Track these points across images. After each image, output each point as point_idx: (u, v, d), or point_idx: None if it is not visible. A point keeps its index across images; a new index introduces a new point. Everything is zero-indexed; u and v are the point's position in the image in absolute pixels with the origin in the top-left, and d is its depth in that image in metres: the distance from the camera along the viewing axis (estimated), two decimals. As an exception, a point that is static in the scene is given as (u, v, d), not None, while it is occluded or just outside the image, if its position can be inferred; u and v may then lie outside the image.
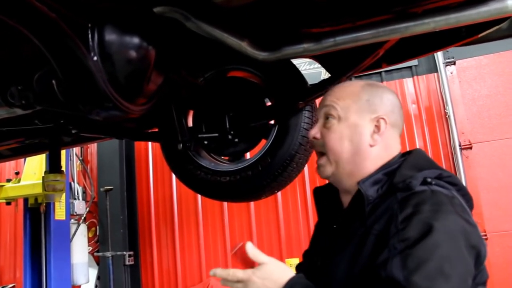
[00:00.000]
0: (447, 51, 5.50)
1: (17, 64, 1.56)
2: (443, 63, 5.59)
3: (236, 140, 2.26)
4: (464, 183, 5.19)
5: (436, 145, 5.55)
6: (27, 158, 4.78)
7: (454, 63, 5.61)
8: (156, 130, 2.46)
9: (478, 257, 1.08)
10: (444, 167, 4.83)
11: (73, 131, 2.15)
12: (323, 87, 2.06)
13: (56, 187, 2.83)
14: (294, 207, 5.75)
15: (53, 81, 1.37)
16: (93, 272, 6.00)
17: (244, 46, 1.64)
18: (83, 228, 5.55)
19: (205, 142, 2.31)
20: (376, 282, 1.05)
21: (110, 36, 1.33)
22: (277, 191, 2.38)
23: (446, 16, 1.52)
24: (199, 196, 5.87)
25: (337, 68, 2.08)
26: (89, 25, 1.28)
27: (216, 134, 2.28)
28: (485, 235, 5.14)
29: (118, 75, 1.37)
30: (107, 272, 5.67)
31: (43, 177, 2.88)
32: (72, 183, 5.91)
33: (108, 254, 5.67)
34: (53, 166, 2.71)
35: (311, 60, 2.26)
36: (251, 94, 2.28)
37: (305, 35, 1.70)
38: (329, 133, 1.27)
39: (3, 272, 6.86)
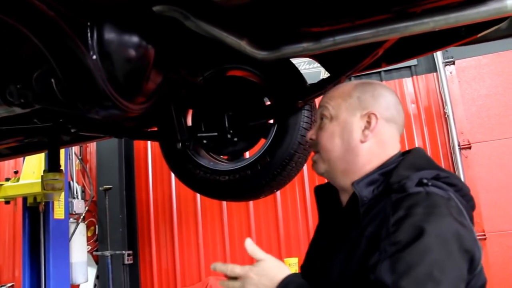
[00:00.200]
0: (446, 51, 5.50)
1: (16, 63, 1.56)
2: (443, 63, 5.60)
3: (235, 139, 2.26)
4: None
5: (435, 145, 5.55)
6: (26, 157, 4.77)
7: (454, 63, 5.61)
8: (155, 129, 2.46)
9: (472, 261, 1.05)
10: (443, 167, 4.83)
11: (72, 130, 2.14)
12: (322, 86, 2.06)
13: (55, 186, 2.82)
14: (293, 207, 5.76)
15: (52, 80, 1.37)
16: (92, 271, 6.00)
17: (243, 45, 1.64)
18: (82, 227, 5.55)
19: (204, 141, 2.30)
20: (366, 285, 1.04)
21: (109, 35, 1.33)
22: (276, 191, 2.38)
23: (445, 15, 1.52)
24: (198, 195, 5.87)
25: (336, 68, 2.07)
26: (88, 23, 1.28)
27: (215, 133, 2.27)
28: (484, 235, 5.15)
29: (117, 74, 1.36)
30: (106, 271, 5.67)
31: (42, 176, 2.88)
32: (71, 182, 5.91)
33: (107, 253, 5.67)
34: (52, 165, 2.70)
35: (310, 59, 2.26)
36: (250, 93, 2.28)
37: (304, 34, 1.70)
38: (322, 133, 1.28)
39: (2, 271, 6.86)
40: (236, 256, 5.86)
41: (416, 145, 5.53)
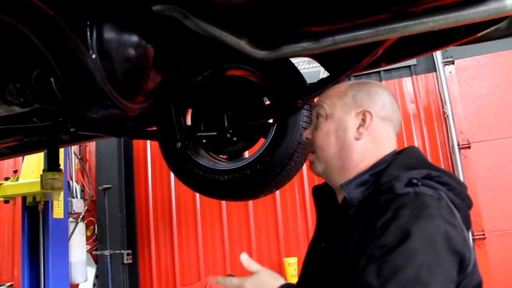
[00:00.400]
0: (446, 50, 5.51)
1: (16, 62, 1.56)
2: (442, 62, 5.60)
3: (235, 138, 2.26)
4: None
5: (435, 145, 5.56)
6: (26, 157, 4.77)
7: (453, 63, 5.62)
8: (155, 128, 2.46)
9: (462, 262, 1.03)
10: (442, 166, 4.82)
11: (72, 129, 2.14)
12: (322, 86, 2.06)
13: (54, 186, 2.82)
14: (292, 206, 5.76)
15: (52, 79, 1.37)
16: (91, 271, 5.99)
17: (243, 44, 1.64)
18: (81, 226, 5.55)
19: (204, 141, 2.30)
20: None
21: (109, 34, 1.33)
22: (276, 190, 2.38)
23: (445, 15, 1.52)
24: (197, 194, 5.87)
25: (336, 67, 2.08)
26: (88, 23, 1.28)
27: (215, 133, 2.27)
28: (483, 235, 5.15)
29: (116, 73, 1.36)
30: (105, 271, 5.66)
31: (41, 175, 2.88)
32: (71, 181, 5.90)
33: (106, 252, 5.67)
34: (51, 164, 2.70)
35: (310, 59, 2.26)
36: (250, 92, 2.28)
37: (304, 34, 1.70)
38: (317, 132, 1.29)
39: (1, 270, 6.86)
40: (235, 255, 5.86)
41: (416, 145, 5.53)
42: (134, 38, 1.43)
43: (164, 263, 6.15)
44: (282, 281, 1.18)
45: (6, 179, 4.88)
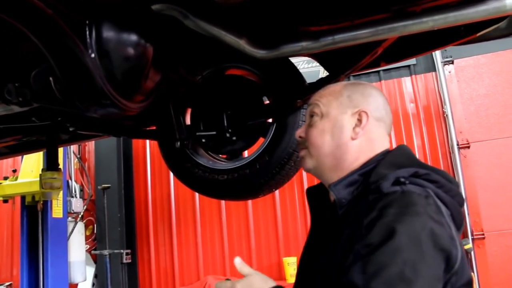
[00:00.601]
0: (445, 50, 5.50)
1: (15, 61, 1.56)
2: (441, 62, 5.60)
3: (234, 138, 2.26)
4: (461, 182, 5.24)
5: (434, 144, 5.55)
6: (25, 156, 4.76)
7: (452, 62, 5.61)
8: (154, 128, 2.46)
9: (449, 259, 1.03)
10: (441, 166, 4.83)
11: (71, 129, 2.14)
12: (321, 85, 2.04)
13: (53, 185, 2.82)
14: (292, 206, 5.75)
15: (51, 78, 1.37)
16: (91, 270, 5.99)
17: (242, 44, 1.64)
18: (80, 226, 5.54)
19: (203, 140, 2.30)
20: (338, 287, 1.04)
21: (108, 33, 1.33)
22: (275, 190, 2.38)
23: (444, 14, 1.52)
24: (196, 194, 5.87)
25: (335, 67, 2.07)
26: (87, 22, 1.27)
27: (214, 132, 2.27)
28: (483, 234, 5.15)
29: (115, 72, 1.36)
30: (105, 270, 5.66)
31: (40, 174, 2.87)
32: (70, 181, 5.89)
33: (106, 252, 5.66)
34: (50, 164, 2.70)
35: (309, 58, 2.26)
36: (249, 92, 2.28)
37: (303, 33, 1.70)
38: (311, 130, 1.29)
39: (0, 270, 6.85)
40: (234, 255, 5.82)
41: (415, 144, 5.54)
42: (133, 37, 1.43)
43: (163, 263, 6.15)
44: (272, 284, 1.18)
45: (5, 178, 4.87)
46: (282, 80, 2.14)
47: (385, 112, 1.30)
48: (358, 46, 1.73)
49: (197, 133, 2.28)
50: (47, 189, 2.84)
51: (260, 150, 2.19)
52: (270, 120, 2.25)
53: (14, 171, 4.99)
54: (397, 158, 1.21)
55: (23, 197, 4.58)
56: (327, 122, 1.27)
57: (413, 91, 5.73)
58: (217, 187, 2.27)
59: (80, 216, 5.68)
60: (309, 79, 2.21)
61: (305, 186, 5.67)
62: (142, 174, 6.43)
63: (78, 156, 6.48)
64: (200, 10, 1.53)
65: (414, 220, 1.02)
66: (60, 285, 4.48)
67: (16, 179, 4.68)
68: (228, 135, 2.24)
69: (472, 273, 4.95)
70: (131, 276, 6.14)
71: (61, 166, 3.50)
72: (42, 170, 2.77)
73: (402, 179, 1.11)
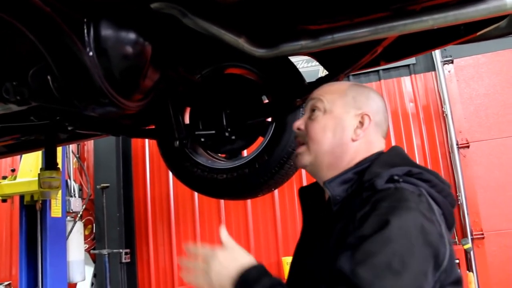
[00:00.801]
0: (445, 49, 5.50)
1: (13, 60, 1.55)
2: (441, 61, 5.60)
3: (233, 137, 2.25)
4: (461, 182, 5.24)
5: (434, 144, 5.55)
6: (23, 155, 4.76)
7: (452, 62, 5.61)
8: (153, 127, 2.45)
9: (437, 257, 1.03)
10: (441, 166, 4.83)
11: (69, 128, 2.13)
12: (321, 84, 2.04)
13: (52, 184, 2.81)
14: (291, 205, 5.75)
15: (48, 77, 1.36)
16: (89, 270, 5.98)
17: (241, 42, 1.63)
18: (79, 225, 5.54)
19: (202, 140, 2.29)
20: (329, 278, 1.04)
21: (106, 32, 1.32)
22: (274, 189, 2.37)
23: (444, 13, 1.51)
24: (196, 193, 5.86)
25: (335, 66, 2.07)
26: (85, 20, 1.27)
27: (213, 131, 2.26)
28: (482, 234, 5.15)
29: (114, 70, 1.35)
30: (104, 270, 5.65)
31: (39, 174, 2.86)
32: (69, 180, 5.89)
33: (105, 251, 5.65)
34: (49, 163, 2.69)
35: (309, 58, 2.26)
36: (248, 91, 2.27)
37: (302, 32, 1.69)
38: (313, 124, 1.29)
39: (-1, 269, 6.85)
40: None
41: (415, 144, 5.54)
42: (132, 36, 1.42)
43: (162, 262, 6.14)
44: (254, 260, 1.17)
45: (4, 178, 4.87)
46: (281, 79, 2.13)
47: (384, 118, 1.32)
48: (358, 45, 1.72)
49: (196, 132, 2.27)
50: (46, 189, 2.83)
51: (259, 150, 2.19)
52: (269, 119, 2.24)
53: (13, 170, 4.99)
54: (391, 158, 1.23)
55: (21, 197, 4.58)
56: (330, 120, 1.27)
57: (413, 91, 5.73)
58: (216, 186, 2.26)
59: (79, 215, 5.68)
60: (308, 79, 2.20)
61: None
62: (141, 174, 6.42)
63: (77, 155, 6.47)
64: (199, 9, 1.52)
65: (406, 214, 1.03)
66: (59, 285, 4.48)
67: (15, 178, 4.68)
68: (227, 134, 2.24)
69: (471, 273, 4.95)
70: (130, 275, 6.13)
71: (60, 166, 3.49)
72: (41, 169, 2.76)
73: (396, 177, 1.12)
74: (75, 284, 5.68)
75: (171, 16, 1.52)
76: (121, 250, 5.90)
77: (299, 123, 1.34)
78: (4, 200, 4.79)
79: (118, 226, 6.07)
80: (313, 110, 1.31)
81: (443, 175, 5.48)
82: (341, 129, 1.26)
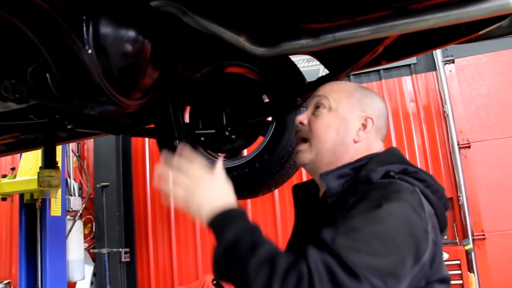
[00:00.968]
0: (446, 49, 5.49)
1: (12, 57, 1.54)
2: (442, 61, 5.59)
3: (233, 136, 2.24)
4: (462, 183, 5.22)
5: (435, 144, 5.54)
6: (23, 154, 4.76)
7: (453, 62, 5.60)
8: (153, 126, 2.44)
9: (418, 249, 1.03)
10: (442, 166, 4.81)
11: (69, 127, 2.12)
12: (321, 84, 2.04)
13: (51, 183, 2.80)
14: (291, 205, 5.71)
15: (47, 75, 1.35)
16: (89, 269, 5.98)
17: (242, 41, 1.62)
18: (79, 224, 5.54)
19: (202, 139, 2.28)
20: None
21: (106, 29, 1.31)
22: (275, 189, 2.37)
23: (446, 12, 1.50)
24: (196, 193, 5.85)
25: (335, 65, 2.06)
26: (84, 17, 1.26)
27: (213, 131, 2.25)
28: (483, 235, 5.14)
29: (113, 68, 1.34)
30: (103, 269, 5.65)
31: (38, 172, 2.86)
32: (68, 179, 5.89)
33: (104, 250, 5.65)
34: (48, 162, 2.68)
35: (309, 57, 2.25)
36: (249, 90, 2.26)
37: (303, 30, 1.68)
38: (316, 120, 1.30)
39: (-2, 268, 6.85)
40: (233, 254, 5.83)
41: (416, 144, 5.54)
42: (131, 34, 1.41)
43: (162, 262, 6.13)
44: (235, 205, 1.18)
45: (4, 176, 4.86)
46: (282, 78, 2.12)
47: (385, 123, 1.36)
48: (359, 44, 1.71)
49: (196, 132, 2.26)
50: (45, 187, 2.82)
51: (260, 149, 2.18)
52: (269, 119, 2.23)
53: (13, 169, 4.99)
54: (388, 157, 1.25)
55: (21, 195, 4.58)
56: (334, 118, 1.29)
57: (414, 91, 5.72)
58: (216, 185, 2.24)
59: (78, 214, 5.67)
60: (309, 78, 2.19)
61: (305, 185, 5.66)
62: (141, 173, 6.42)
63: (77, 154, 6.46)
64: (199, 7, 1.51)
65: (396, 203, 1.05)
66: (58, 284, 4.48)
67: (15, 177, 4.68)
68: (227, 133, 2.22)
69: (472, 274, 4.94)
70: (130, 275, 6.13)
71: (59, 164, 3.47)
72: (40, 168, 2.75)
73: (392, 173, 1.14)
74: (75, 283, 5.68)
75: (171, 14, 1.51)
76: (120, 249, 5.90)
77: (302, 118, 1.34)
78: (4, 199, 4.79)
79: (118, 225, 6.07)
80: (317, 107, 1.32)
81: (444, 176, 5.52)
82: (345, 129, 1.28)
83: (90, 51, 1.27)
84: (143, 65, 1.49)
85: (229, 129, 2.23)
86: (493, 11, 1.46)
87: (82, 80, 1.30)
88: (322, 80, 2.06)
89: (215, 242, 1.11)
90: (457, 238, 5.19)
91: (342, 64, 2.00)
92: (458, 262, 4.93)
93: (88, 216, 6.25)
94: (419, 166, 5.21)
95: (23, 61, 1.46)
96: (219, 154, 2.43)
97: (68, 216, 5.31)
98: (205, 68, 2.21)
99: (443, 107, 5.54)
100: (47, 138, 2.50)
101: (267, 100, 2.29)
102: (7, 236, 6.82)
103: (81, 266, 5.36)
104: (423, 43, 1.99)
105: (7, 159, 6.64)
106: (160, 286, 6.11)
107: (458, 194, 5.22)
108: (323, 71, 5.42)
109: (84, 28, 1.26)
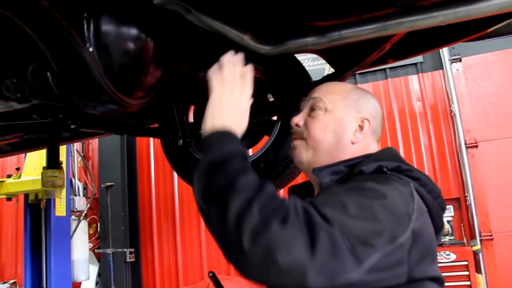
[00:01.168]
0: (453, 47, 5.46)
1: (13, 56, 1.52)
2: (449, 60, 5.55)
3: (238, 136, 2.22)
4: (469, 182, 5.18)
5: (441, 143, 5.51)
6: (28, 154, 4.77)
7: (460, 60, 5.56)
8: (157, 125, 2.43)
9: (395, 229, 1.00)
10: (449, 165, 4.78)
11: (72, 126, 2.11)
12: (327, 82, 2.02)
13: (55, 183, 2.80)
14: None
15: (48, 74, 1.33)
16: (94, 269, 5.99)
17: (246, 39, 1.60)
18: (83, 224, 5.54)
19: (206, 138, 2.26)
20: None
21: (107, 27, 1.29)
22: (279, 189, 2.34)
23: (455, 9, 1.46)
24: (201, 193, 5.84)
25: (341, 63, 2.03)
26: (85, 15, 1.24)
27: (218, 130, 2.23)
28: (491, 236, 5.09)
29: (114, 67, 1.32)
30: (108, 269, 5.65)
31: (42, 173, 2.85)
32: (73, 179, 5.89)
33: (109, 251, 5.65)
34: (51, 162, 2.67)
35: (315, 56, 2.22)
36: (253, 89, 2.24)
37: (309, 28, 1.66)
38: (313, 121, 1.30)
39: (4, 268, 6.87)
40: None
41: (422, 144, 5.51)
42: (133, 31, 1.39)
43: (167, 262, 6.13)
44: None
45: (9, 176, 4.87)
46: (287, 77, 2.10)
47: (380, 124, 1.35)
48: (365, 42, 1.69)
49: (200, 131, 2.24)
50: (49, 187, 2.82)
51: (265, 149, 2.16)
52: (275, 118, 2.21)
53: (18, 169, 4.99)
54: (383, 155, 1.24)
55: (26, 195, 4.58)
56: (331, 120, 1.28)
57: (420, 90, 5.69)
58: (220, 186, 2.22)
59: (83, 214, 5.67)
60: (314, 77, 2.17)
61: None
62: (146, 173, 6.42)
63: (82, 154, 6.47)
64: (203, 5, 1.49)
65: (383, 185, 1.05)
66: (63, 284, 4.48)
67: (19, 177, 4.68)
68: (232, 133, 2.20)
69: (480, 275, 4.89)
70: (135, 275, 6.13)
71: (64, 164, 3.47)
72: (43, 168, 2.75)
73: (385, 169, 1.14)
74: (80, 283, 5.68)
75: (173, 12, 1.49)
76: (125, 250, 5.90)
77: (298, 119, 1.34)
78: (8, 199, 4.80)
79: (122, 225, 6.08)
80: (313, 109, 1.32)
81: (451, 175, 5.48)
82: (342, 130, 1.27)
83: (91, 49, 1.24)
84: (145, 64, 1.47)
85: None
86: (503, 7, 1.43)
87: (82, 78, 1.28)
88: (327, 79, 2.04)
89: (209, 151, 1.13)
90: (465, 238, 5.15)
91: (348, 62, 1.98)
92: (466, 263, 4.89)
93: (93, 216, 6.25)
94: (425, 166, 5.19)
95: (24, 60, 1.44)
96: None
97: (72, 216, 5.31)
98: (209, 66, 2.18)
99: (450, 106, 5.51)
100: (51, 138, 2.49)
101: (272, 99, 2.27)
102: (12, 236, 6.84)
103: (86, 266, 5.36)
104: (430, 41, 1.97)
105: (12, 159, 6.66)
106: (165, 286, 6.10)
107: (466, 194, 5.19)
108: (328, 70, 5.39)
109: (85, 26, 1.24)
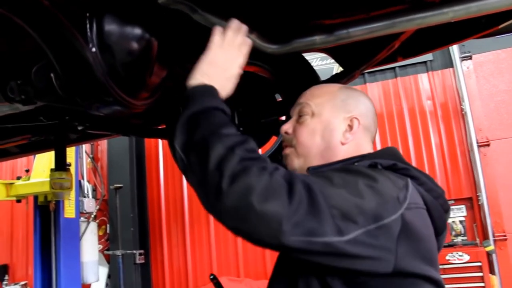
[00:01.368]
0: (463, 45, 5.40)
1: (17, 58, 1.51)
2: (459, 57, 5.49)
3: (246, 136, 2.20)
4: (481, 182, 5.11)
5: (452, 142, 5.45)
6: (37, 156, 4.79)
7: (471, 58, 5.50)
8: (164, 126, 2.42)
9: (381, 210, 0.96)
10: (460, 165, 4.72)
11: (79, 128, 2.10)
12: (335, 81, 1.99)
13: (63, 185, 2.79)
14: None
15: (51, 75, 1.31)
16: (104, 271, 6.00)
17: (253, 38, 1.57)
18: (93, 226, 5.55)
19: (214, 139, 2.25)
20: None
21: (110, 27, 1.27)
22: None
23: (466, 5, 1.43)
24: (210, 194, 5.83)
25: (350, 62, 2.01)
26: (87, 14, 1.22)
27: (225, 131, 2.21)
28: (505, 236, 5.03)
29: (118, 67, 1.30)
30: (117, 271, 5.66)
31: (49, 175, 2.86)
32: (82, 181, 5.90)
33: (119, 252, 5.66)
34: (59, 164, 2.67)
35: (323, 55, 2.20)
36: (261, 89, 2.22)
37: (316, 26, 1.63)
38: (301, 128, 1.27)
39: (15, 269, 6.91)
40: (248, 256, 5.81)
41: (433, 143, 5.46)
42: (137, 31, 1.37)
43: (177, 264, 6.13)
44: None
45: (18, 178, 4.89)
46: (294, 76, 2.08)
47: (373, 122, 1.31)
48: (374, 40, 1.66)
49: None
50: (57, 189, 2.82)
51: (273, 149, 2.14)
52: (283, 118, 2.19)
53: (27, 171, 5.01)
54: (381, 154, 1.21)
55: (35, 197, 4.60)
56: (318, 123, 1.26)
57: (430, 88, 5.64)
58: (228, 187, 2.21)
59: (92, 216, 5.69)
60: (323, 77, 2.15)
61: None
62: (154, 174, 6.42)
63: (91, 155, 6.49)
64: (209, 4, 1.47)
65: (376, 173, 1.04)
66: (73, 285, 4.49)
67: (29, 179, 4.70)
68: (239, 133, 2.19)
69: (494, 276, 4.83)
70: (144, 276, 6.13)
71: (73, 166, 3.46)
72: (51, 170, 2.75)
73: (380, 166, 1.11)
74: (89, 285, 5.70)
75: (178, 11, 1.47)
76: (135, 251, 5.91)
77: (287, 127, 1.31)
78: (18, 201, 4.82)
79: (132, 226, 6.08)
80: (300, 115, 1.30)
81: (462, 175, 5.43)
82: (329, 132, 1.24)
83: (94, 49, 1.23)
84: (150, 64, 1.45)
85: (241, 129, 2.20)
86: (517, 2, 1.39)
87: (85, 79, 1.26)
88: (336, 78, 2.02)
89: (192, 103, 1.12)
90: (478, 239, 5.09)
91: (357, 61, 1.95)
92: (479, 264, 4.82)
93: (102, 218, 6.26)
94: (437, 165, 5.13)
95: (28, 61, 1.43)
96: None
97: (82, 218, 5.33)
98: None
99: (460, 104, 5.45)
100: (58, 139, 2.48)
101: (280, 99, 2.25)
102: (23, 237, 6.88)
103: (96, 268, 5.37)
104: (440, 38, 1.93)
105: (22, 161, 6.69)
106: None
107: (478, 194, 5.12)
108: (337, 69, 5.36)
109: (88, 26, 1.22)
